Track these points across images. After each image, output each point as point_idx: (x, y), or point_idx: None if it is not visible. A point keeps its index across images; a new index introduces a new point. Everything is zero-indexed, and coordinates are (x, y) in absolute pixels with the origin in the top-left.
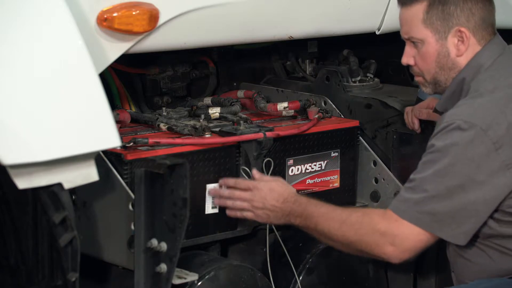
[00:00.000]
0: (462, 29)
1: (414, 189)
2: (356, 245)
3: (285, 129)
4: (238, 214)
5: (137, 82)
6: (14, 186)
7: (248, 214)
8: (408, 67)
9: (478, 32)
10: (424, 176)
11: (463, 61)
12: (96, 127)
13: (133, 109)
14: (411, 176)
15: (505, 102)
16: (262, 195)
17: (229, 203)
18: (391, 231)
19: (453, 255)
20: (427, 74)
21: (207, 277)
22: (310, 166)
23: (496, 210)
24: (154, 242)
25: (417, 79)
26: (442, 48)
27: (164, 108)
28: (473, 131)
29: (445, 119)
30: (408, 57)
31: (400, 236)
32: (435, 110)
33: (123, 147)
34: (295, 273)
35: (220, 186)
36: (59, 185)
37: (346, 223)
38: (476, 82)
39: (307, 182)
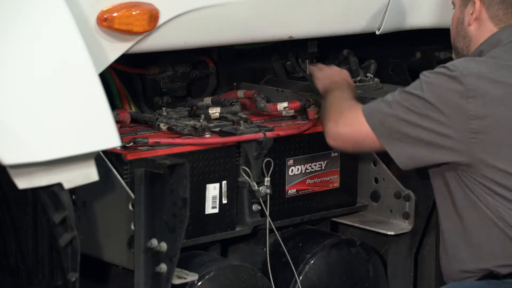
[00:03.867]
0: (476, 0)
1: (387, 95)
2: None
3: (285, 129)
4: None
5: (137, 82)
6: (14, 186)
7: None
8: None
9: (492, 10)
10: (400, 89)
11: (471, 31)
12: (96, 127)
13: (133, 109)
14: None
15: (497, 67)
16: (335, 68)
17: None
18: (342, 112)
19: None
20: (452, 38)
21: (207, 277)
22: (310, 166)
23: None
24: (154, 242)
25: None
26: (461, 15)
27: (164, 108)
28: (455, 73)
29: None
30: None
31: (347, 118)
32: None
33: (123, 147)
34: (295, 273)
35: None
36: (59, 185)
37: (341, 99)
38: (488, 55)
39: (307, 182)
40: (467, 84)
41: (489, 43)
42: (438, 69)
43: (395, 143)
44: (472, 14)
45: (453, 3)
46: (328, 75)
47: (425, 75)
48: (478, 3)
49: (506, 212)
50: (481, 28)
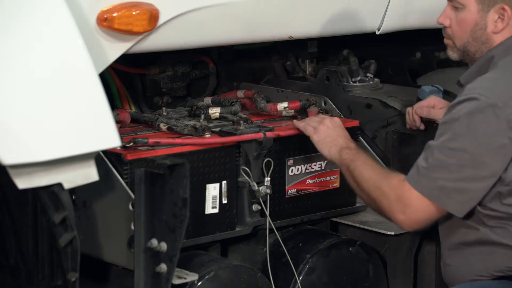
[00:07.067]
0: (506, 7)
1: (427, 158)
2: (375, 202)
3: (285, 129)
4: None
5: (137, 82)
6: (14, 186)
7: (311, 130)
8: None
9: None
10: (437, 145)
11: (497, 38)
12: (96, 127)
13: (133, 109)
14: (428, 142)
15: None
16: (328, 124)
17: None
18: (403, 201)
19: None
20: (459, 40)
21: (207, 277)
22: (310, 166)
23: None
24: (154, 242)
25: (446, 41)
26: (481, 20)
27: (164, 108)
28: (491, 108)
29: (464, 92)
30: (444, 18)
31: (411, 208)
32: (458, 83)
33: (123, 147)
34: (295, 273)
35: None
36: (59, 185)
37: (372, 178)
38: (504, 62)
39: (307, 182)
40: (507, 114)
41: (501, 48)
42: (466, 102)
43: (458, 202)
44: (498, 20)
45: (459, 4)
46: (328, 136)
47: (459, 120)
48: (509, 11)
49: None
50: (505, 34)
